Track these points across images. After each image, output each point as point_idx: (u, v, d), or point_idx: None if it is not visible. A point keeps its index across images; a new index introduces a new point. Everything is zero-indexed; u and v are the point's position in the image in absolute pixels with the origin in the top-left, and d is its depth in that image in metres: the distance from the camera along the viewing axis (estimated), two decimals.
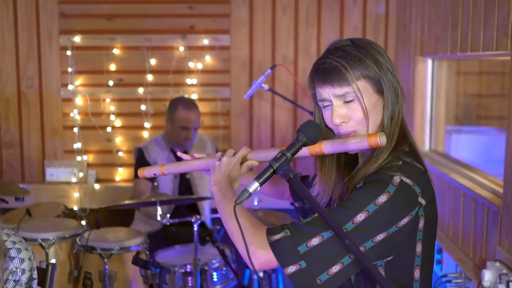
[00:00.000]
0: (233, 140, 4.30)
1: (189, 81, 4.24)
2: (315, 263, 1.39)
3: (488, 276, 2.32)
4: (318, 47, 4.22)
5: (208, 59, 4.23)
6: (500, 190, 2.51)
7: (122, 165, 4.31)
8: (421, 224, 1.46)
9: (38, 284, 1.90)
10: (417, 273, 1.50)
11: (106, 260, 2.98)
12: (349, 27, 4.19)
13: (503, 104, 3.23)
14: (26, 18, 4.17)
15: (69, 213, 3.87)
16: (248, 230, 1.44)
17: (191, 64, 4.22)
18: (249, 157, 1.66)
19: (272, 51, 4.23)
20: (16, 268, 1.71)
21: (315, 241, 1.39)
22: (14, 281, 1.71)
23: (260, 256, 1.43)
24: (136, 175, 3.78)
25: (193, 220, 2.97)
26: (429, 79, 3.64)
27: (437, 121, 3.64)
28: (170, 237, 3.68)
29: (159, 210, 2.90)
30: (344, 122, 1.49)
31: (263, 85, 3.56)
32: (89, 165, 4.32)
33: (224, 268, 3.23)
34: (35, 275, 1.76)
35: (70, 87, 4.22)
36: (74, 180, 4.26)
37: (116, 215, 3.97)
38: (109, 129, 4.27)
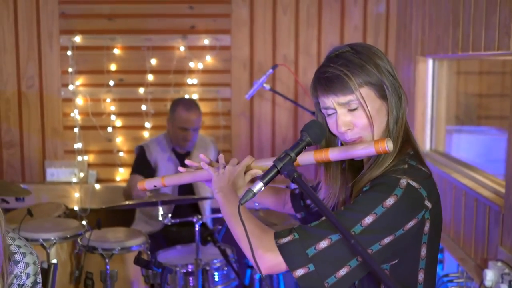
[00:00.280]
0: (233, 140, 4.30)
1: (189, 81, 4.24)
2: (323, 266, 1.39)
3: (490, 275, 2.32)
4: (318, 47, 4.22)
5: (208, 59, 4.23)
6: (502, 190, 2.51)
7: (122, 165, 4.31)
8: (426, 227, 1.46)
9: None
10: (421, 276, 1.50)
11: (107, 260, 2.98)
12: (349, 27, 4.19)
13: (503, 103, 3.23)
14: (26, 18, 4.16)
15: (70, 213, 3.87)
16: (255, 233, 1.43)
17: (191, 64, 4.22)
18: (253, 166, 1.66)
19: (272, 51, 4.23)
20: (21, 272, 1.71)
21: (323, 243, 1.39)
22: (19, 285, 1.71)
23: (268, 259, 1.41)
24: (133, 171, 3.78)
25: (194, 220, 2.98)
26: (430, 79, 3.65)
27: (438, 121, 3.64)
28: (171, 237, 3.68)
29: (161, 210, 2.90)
30: (349, 129, 1.49)
31: (264, 85, 3.57)
32: (89, 165, 4.32)
33: (226, 268, 3.23)
34: (39, 279, 1.76)
35: (70, 87, 4.22)
36: (74, 180, 4.26)
37: (117, 215, 3.96)
38: (109, 129, 4.27)
